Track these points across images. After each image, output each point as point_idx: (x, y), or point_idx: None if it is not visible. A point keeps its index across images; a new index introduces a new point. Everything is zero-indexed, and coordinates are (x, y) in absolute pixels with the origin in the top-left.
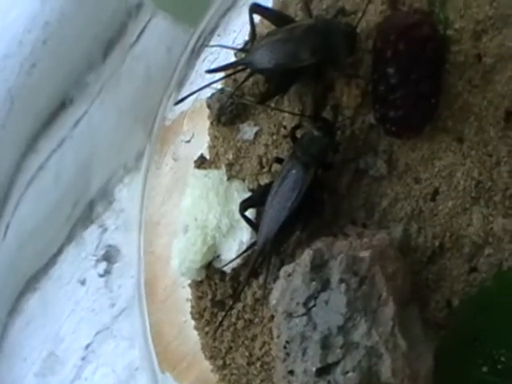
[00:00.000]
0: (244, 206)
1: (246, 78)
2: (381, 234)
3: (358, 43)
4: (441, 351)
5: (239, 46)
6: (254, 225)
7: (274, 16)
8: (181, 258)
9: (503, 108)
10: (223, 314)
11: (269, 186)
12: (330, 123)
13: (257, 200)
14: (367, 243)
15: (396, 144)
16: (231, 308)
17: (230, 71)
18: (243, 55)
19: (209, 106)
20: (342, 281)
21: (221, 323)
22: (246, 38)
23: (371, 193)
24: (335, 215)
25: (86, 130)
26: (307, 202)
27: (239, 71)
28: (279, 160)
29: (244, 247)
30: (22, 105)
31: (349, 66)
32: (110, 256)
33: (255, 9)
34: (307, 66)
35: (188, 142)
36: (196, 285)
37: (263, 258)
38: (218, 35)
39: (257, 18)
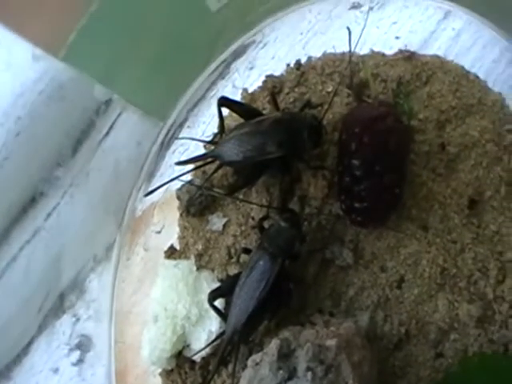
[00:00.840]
0: (213, 296)
1: (215, 170)
2: (347, 322)
3: (324, 135)
4: None
5: (208, 139)
6: (223, 314)
7: (241, 109)
8: (151, 347)
9: (467, 196)
10: None
11: (237, 276)
12: (296, 214)
13: (226, 290)
14: (334, 332)
15: (362, 233)
16: None
17: (199, 163)
18: (212, 147)
19: (178, 198)
20: (308, 369)
21: None
22: (215, 130)
23: (338, 282)
24: (302, 304)
25: (57, 222)
26: (275, 292)
27: (208, 163)
28: (247, 250)
29: (213, 336)
30: None
31: (315, 157)
32: (82, 345)
33: (223, 102)
34: (274, 159)
35: (158, 232)
36: (166, 374)
37: (232, 347)
38: (188, 127)
39: (225, 110)
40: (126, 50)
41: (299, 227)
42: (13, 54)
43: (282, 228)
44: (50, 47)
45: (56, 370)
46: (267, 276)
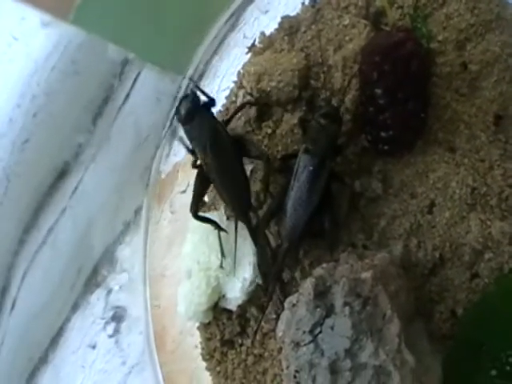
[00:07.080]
0: (266, 220)
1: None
2: (381, 253)
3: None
4: (449, 361)
5: (226, 92)
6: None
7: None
8: (187, 302)
9: (492, 112)
10: (233, 352)
11: (283, 192)
12: (335, 108)
13: (275, 208)
14: (368, 264)
15: (390, 163)
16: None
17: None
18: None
19: None
20: (345, 304)
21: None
22: (232, 81)
23: (369, 214)
24: (335, 241)
25: (84, 196)
26: (326, 197)
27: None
28: (285, 158)
29: (248, 284)
30: (18, 181)
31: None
32: (117, 316)
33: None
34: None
35: (184, 192)
36: (204, 327)
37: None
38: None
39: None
40: (134, 7)
41: (340, 120)
42: (21, 24)
43: (322, 126)
44: (58, 12)
45: (94, 346)
46: (318, 180)
